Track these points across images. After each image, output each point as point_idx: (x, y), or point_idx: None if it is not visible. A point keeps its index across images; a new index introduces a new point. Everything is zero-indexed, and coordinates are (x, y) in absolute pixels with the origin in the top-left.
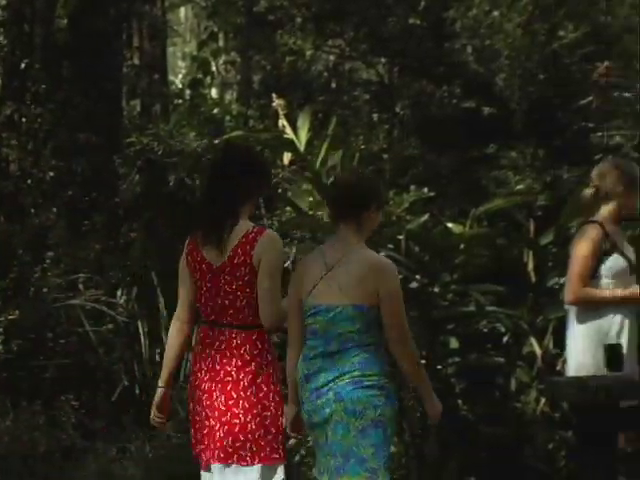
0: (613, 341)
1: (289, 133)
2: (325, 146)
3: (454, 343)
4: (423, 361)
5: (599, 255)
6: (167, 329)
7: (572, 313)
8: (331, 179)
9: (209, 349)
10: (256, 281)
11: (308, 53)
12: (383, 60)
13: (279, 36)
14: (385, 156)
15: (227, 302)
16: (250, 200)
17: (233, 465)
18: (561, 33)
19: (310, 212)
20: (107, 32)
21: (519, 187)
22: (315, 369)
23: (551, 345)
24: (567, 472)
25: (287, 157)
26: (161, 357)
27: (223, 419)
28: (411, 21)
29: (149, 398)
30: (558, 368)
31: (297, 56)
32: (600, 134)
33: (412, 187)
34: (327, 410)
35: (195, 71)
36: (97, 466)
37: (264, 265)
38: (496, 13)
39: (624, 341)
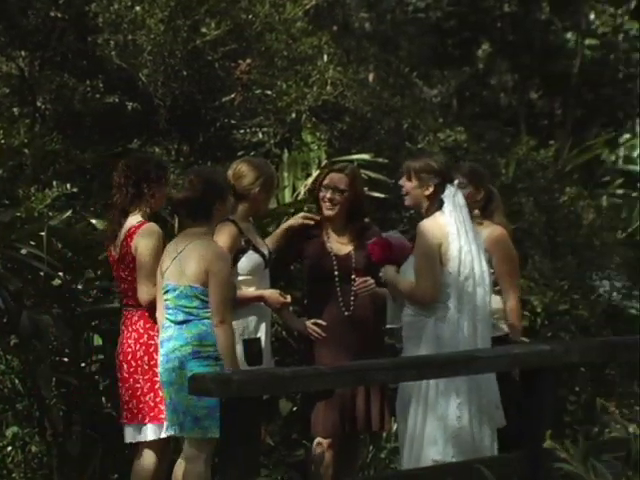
0: (252, 336)
1: None
2: None
3: (98, 340)
4: (66, 359)
5: (235, 253)
6: None
7: None
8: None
9: (122, 327)
10: None
11: None
12: (23, 53)
13: None
14: (26, 151)
15: (126, 286)
16: (141, 202)
17: (137, 424)
18: (203, 30)
19: None
20: None
21: None
22: (168, 336)
23: None
24: (212, 467)
25: None
26: None
27: (127, 385)
28: (52, 14)
29: None
30: None
31: None
32: (243, 131)
33: (55, 183)
34: (173, 374)
35: None
36: None
37: (138, 253)
38: (138, 8)
39: (262, 336)
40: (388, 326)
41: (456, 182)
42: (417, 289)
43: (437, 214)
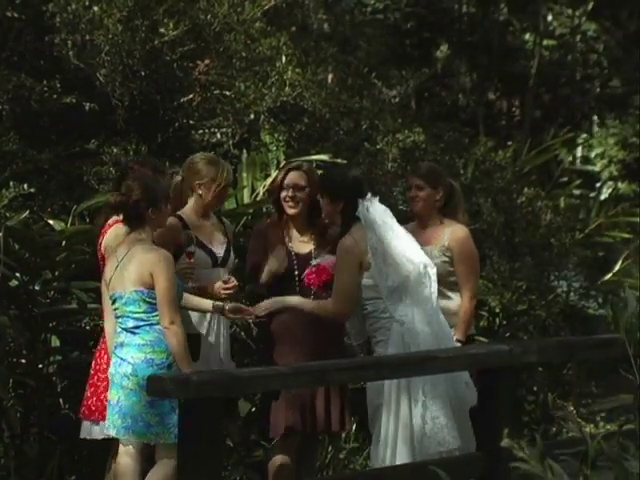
0: (193, 332)
1: None
2: None
3: (55, 341)
4: (23, 360)
5: (175, 248)
6: None
7: None
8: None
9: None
10: None
11: None
12: None
13: None
14: None
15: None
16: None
17: (94, 420)
18: (162, 30)
19: None
20: None
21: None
22: (120, 342)
23: None
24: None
25: None
26: None
27: (91, 381)
28: (9, 14)
29: None
30: None
31: None
32: (201, 131)
33: (12, 183)
34: (125, 380)
35: None
36: None
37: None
38: (96, 8)
39: (204, 332)
40: (355, 343)
41: (369, 195)
42: (336, 306)
43: (354, 229)
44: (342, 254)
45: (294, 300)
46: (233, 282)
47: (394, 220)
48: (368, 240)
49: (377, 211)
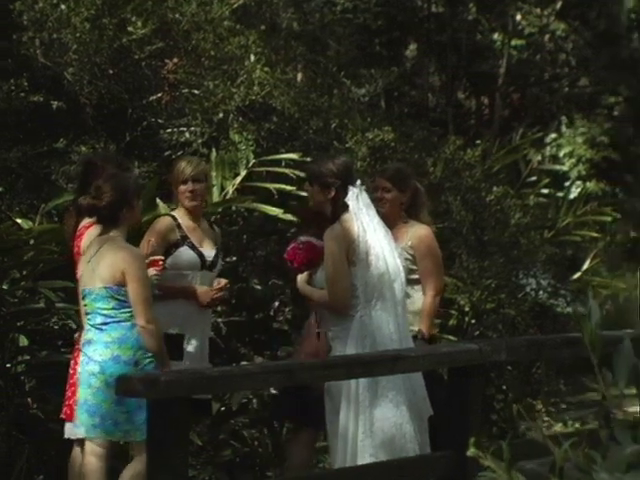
0: (175, 332)
1: None
2: None
3: (24, 340)
4: None
5: (167, 246)
6: None
7: None
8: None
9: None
10: None
11: None
12: None
13: None
14: None
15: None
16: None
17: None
18: (130, 28)
19: None
20: None
21: None
22: (88, 339)
23: None
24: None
25: None
26: None
27: (71, 381)
28: None
29: None
30: None
31: None
32: (170, 130)
33: None
34: (93, 378)
35: None
36: None
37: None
38: (63, 6)
39: (189, 331)
40: (317, 330)
41: (358, 182)
42: (332, 298)
43: (343, 218)
44: (330, 243)
45: (307, 288)
46: (224, 281)
47: (376, 215)
48: (355, 229)
49: (364, 201)
